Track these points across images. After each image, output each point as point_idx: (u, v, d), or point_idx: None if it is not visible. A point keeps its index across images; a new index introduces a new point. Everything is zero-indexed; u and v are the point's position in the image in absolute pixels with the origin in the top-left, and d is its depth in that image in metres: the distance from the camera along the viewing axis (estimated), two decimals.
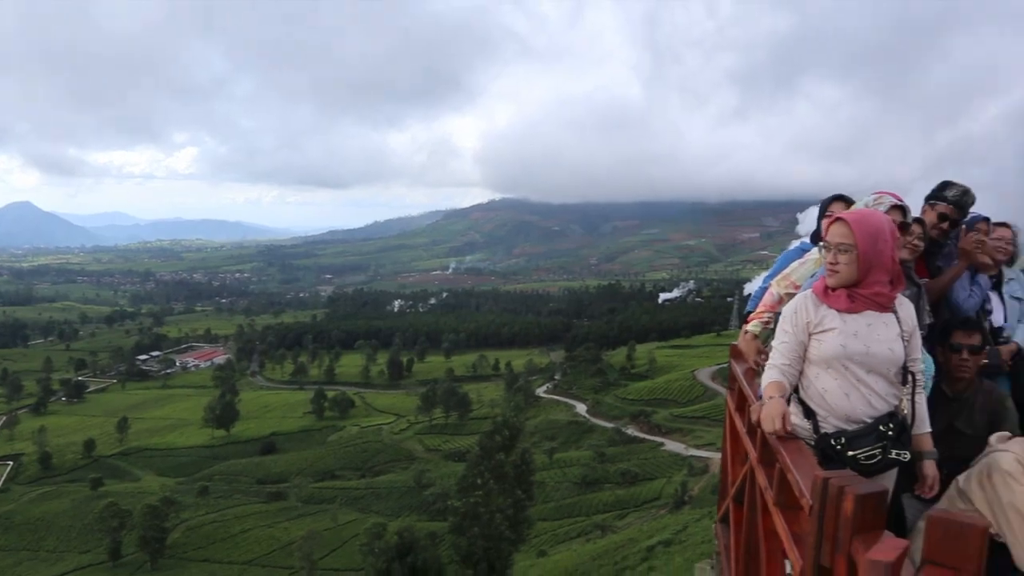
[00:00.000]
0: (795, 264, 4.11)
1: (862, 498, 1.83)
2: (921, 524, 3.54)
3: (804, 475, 2.24)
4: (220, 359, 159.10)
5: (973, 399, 4.26)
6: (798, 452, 2.53)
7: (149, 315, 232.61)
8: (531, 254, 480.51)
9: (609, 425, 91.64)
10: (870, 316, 3.10)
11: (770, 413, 2.95)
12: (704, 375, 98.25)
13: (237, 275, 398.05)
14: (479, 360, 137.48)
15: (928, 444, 3.29)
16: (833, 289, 3.14)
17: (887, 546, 1.50)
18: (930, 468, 3.27)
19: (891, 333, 3.11)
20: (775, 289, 4.08)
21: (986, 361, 4.64)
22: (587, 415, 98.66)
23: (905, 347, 3.12)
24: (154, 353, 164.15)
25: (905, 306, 3.21)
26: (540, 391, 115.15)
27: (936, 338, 4.36)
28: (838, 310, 3.11)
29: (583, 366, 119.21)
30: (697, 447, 73.94)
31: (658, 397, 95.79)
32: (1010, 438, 3.49)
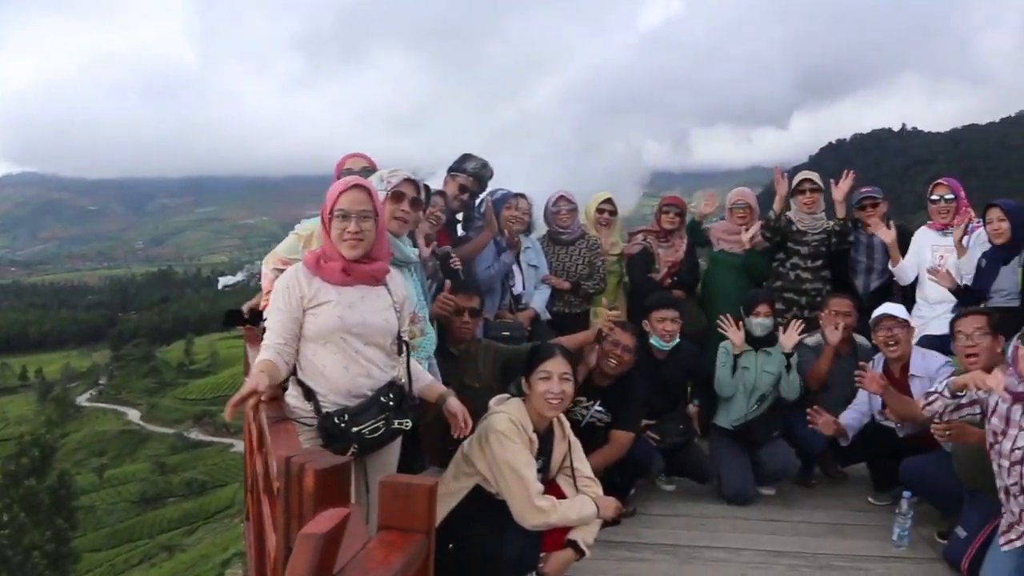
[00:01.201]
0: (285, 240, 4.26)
1: (322, 473, 1.97)
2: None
3: (279, 458, 2.36)
4: None
5: (476, 354, 4.80)
6: (284, 435, 2.64)
7: None
8: (63, 238, 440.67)
9: (169, 431, 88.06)
10: (363, 289, 3.28)
11: (243, 388, 2.94)
12: None
13: None
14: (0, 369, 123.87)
15: (439, 388, 3.65)
16: (327, 261, 3.26)
17: (325, 518, 1.63)
18: (454, 403, 3.61)
19: (384, 304, 3.33)
20: (265, 268, 4.19)
21: (507, 333, 5.22)
22: (142, 422, 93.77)
23: (398, 317, 3.38)
24: None
25: (394, 277, 3.48)
26: (82, 399, 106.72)
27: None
28: (332, 283, 3.24)
29: (134, 366, 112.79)
30: None
31: (224, 394, 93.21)
32: (508, 399, 3.96)
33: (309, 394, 3.21)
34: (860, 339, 5.86)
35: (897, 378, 5.33)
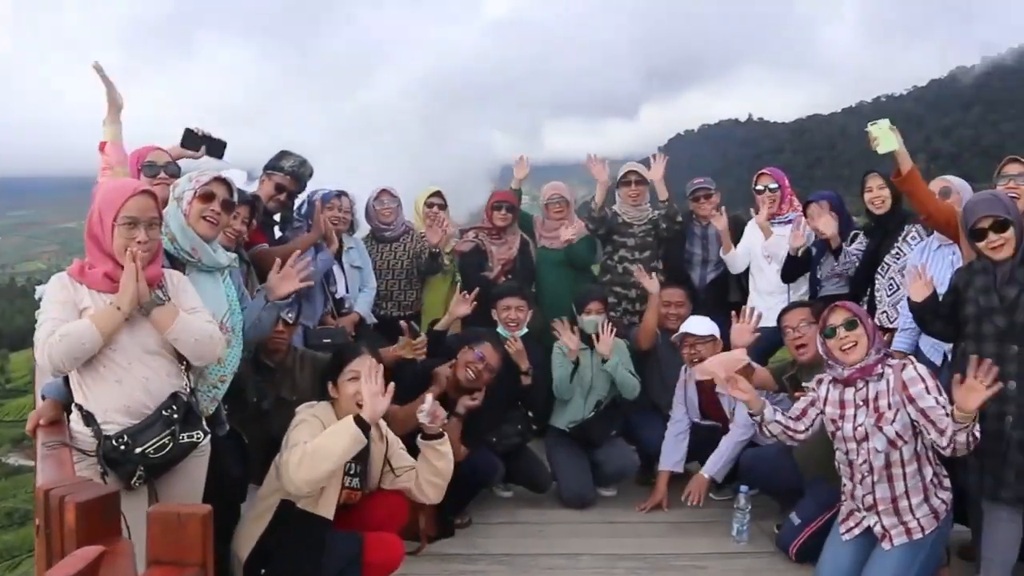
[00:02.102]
0: None
1: (85, 506, 1.86)
2: None
3: (38, 490, 2.23)
4: None
5: (293, 366, 4.70)
6: (53, 464, 2.50)
7: None
8: None
9: None
10: None
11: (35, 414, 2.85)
12: None
13: None
14: None
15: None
16: (91, 268, 3.14)
17: (74, 559, 1.54)
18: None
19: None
20: None
21: (327, 340, 5.09)
22: None
23: None
24: None
25: (177, 281, 3.36)
26: None
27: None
28: (97, 290, 3.12)
29: None
30: None
31: None
32: (316, 404, 3.90)
33: (89, 418, 3.05)
34: None
35: (709, 391, 5.48)
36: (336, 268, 5.63)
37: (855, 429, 4.05)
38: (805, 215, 5.84)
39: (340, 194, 5.75)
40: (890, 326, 5.26)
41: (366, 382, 3.65)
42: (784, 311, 5.18)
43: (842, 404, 4.13)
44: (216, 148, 4.82)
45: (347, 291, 5.70)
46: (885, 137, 4.57)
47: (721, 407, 5.55)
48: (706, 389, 5.48)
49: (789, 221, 6.03)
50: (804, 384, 4.47)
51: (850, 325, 4.09)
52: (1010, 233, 3.95)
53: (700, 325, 5.43)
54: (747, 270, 6.32)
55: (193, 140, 4.75)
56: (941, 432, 3.75)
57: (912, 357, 4.25)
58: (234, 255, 3.96)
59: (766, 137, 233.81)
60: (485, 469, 5.24)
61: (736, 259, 6.29)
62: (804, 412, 4.31)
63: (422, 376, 4.93)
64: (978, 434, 3.71)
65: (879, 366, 4.07)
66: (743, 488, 5.00)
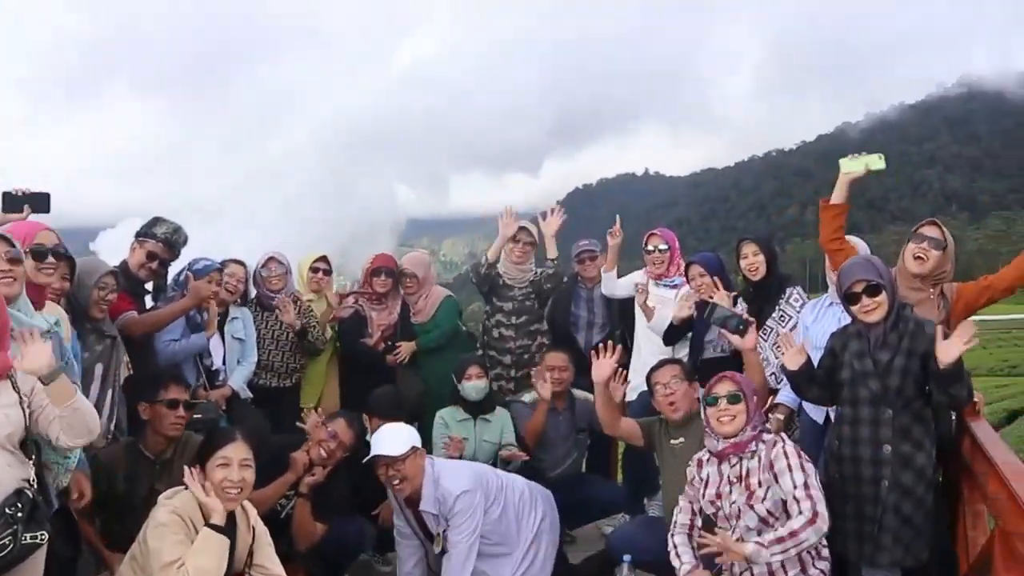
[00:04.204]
0: None
1: None
2: None
3: None
4: None
5: (175, 457, 4.43)
6: None
7: None
8: None
9: None
10: None
11: None
12: None
13: None
14: None
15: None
16: None
17: None
18: None
19: (8, 400, 3.02)
20: None
21: (199, 416, 4.86)
22: None
23: (25, 413, 3.06)
24: None
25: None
26: None
27: (142, 394, 4.49)
28: None
29: None
30: None
31: None
32: (180, 491, 3.72)
33: None
34: (580, 394, 5.88)
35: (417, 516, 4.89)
36: (216, 338, 5.46)
37: (730, 507, 4.04)
38: (686, 276, 5.84)
39: (229, 263, 5.65)
40: (778, 387, 5.26)
41: (194, 489, 3.57)
42: (654, 368, 5.03)
43: (718, 485, 4.13)
44: (40, 202, 4.62)
45: (224, 363, 5.50)
46: (855, 164, 4.89)
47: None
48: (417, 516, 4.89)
49: (675, 285, 6.06)
50: (674, 441, 4.47)
51: (733, 399, 4.10)
52: (882, 297, 4.01)
53: (392, 443, 4.58)
54: (632, 332, 6.33)
55: (14, 202, 4.56)
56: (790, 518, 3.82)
57: (784, 435, 4.25)
58: (54, 318, 3.74)
59: (662, 190, 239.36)
60: (353, 535, 5.03)
61: (615, 284, 6.32)
62: (693, 513, 4.35)
63: (277, 458, 4.72)
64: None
65: (753, 443, 4.07)
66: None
